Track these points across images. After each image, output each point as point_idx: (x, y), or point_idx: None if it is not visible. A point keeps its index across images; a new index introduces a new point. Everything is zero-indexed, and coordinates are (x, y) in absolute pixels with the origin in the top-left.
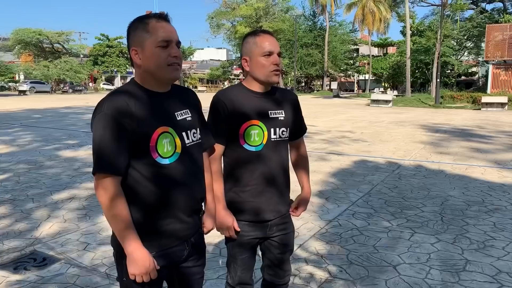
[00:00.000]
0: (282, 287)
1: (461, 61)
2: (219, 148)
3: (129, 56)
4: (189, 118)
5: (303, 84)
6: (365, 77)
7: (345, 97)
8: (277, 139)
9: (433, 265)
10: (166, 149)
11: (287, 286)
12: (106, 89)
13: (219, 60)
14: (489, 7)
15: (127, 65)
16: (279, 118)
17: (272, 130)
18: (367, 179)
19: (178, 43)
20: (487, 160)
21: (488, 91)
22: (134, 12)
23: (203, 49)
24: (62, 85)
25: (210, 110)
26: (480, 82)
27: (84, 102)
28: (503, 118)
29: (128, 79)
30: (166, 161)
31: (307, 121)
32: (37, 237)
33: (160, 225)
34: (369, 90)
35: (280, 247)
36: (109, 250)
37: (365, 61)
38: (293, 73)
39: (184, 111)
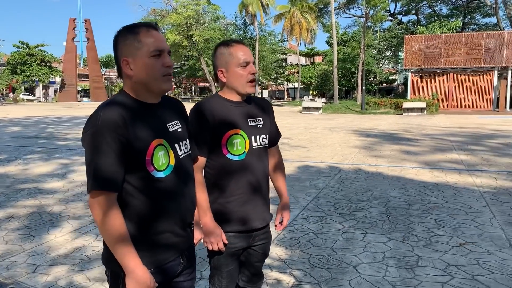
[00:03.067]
0: None
1: (382, 69)
2: (201, 159)
3: (117, 66)
4: (180, 129)
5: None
6: (294, 85)
7: (277, 105)
8: (258, 146)
9: (389, 263)
10: (161, 161)
11: None
12: (27, 100)
13: None
14: (405, 19)
15: (50, 74)
16: (258, 125)
17: (253, 138)
18: (313, 183)
19: (169, 52)
20: (418, 162)
21: (408, 97)
22: (56, 19)
23: None
24: None
25: (190, 122)
26: (399, 89)
27: (4, 114)
28: (424, 122)
29: (51, 89)
30: (161, 174)
31: None
32: None
33: (157, 240)
34: (299, 98)
35: (259, 255)
36: (62, 270)
37: (294, 70)
38: None
39: (174, 122)
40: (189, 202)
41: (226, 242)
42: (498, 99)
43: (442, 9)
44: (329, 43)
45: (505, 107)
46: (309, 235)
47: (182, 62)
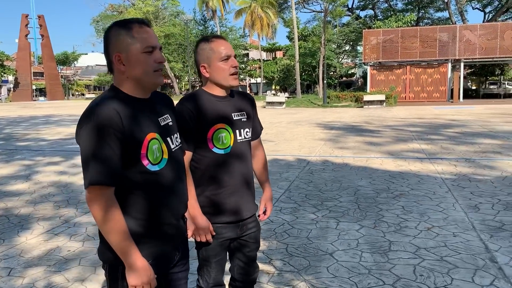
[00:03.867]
0: (252, 285)
1: (342, 64)
2: (188, 154)
3: (107, 61)
4: (171, 123)
5: (197, 88)
6: (256, 80)
7: None
8: (243, 140)
9: (364, 249)
10: (156, 155)
11: (255, 282)
12: None
13: (106, 65)
14: (362, 13)
15: (2, 73)
16: (242, 119)
17: (237, 131)
18: (283, 176)
19: (160, 48)
20: (381, 152)
21: (368, 90)
22: (7, 15)
23: (87, 54)
24: None
25: (175, 117)
26: (359, 82)
27: None
28: (384, 114)
29: (3, 88)
30: (156, 168)
31: None
32: None
33: (154, 232)
34: (262, 93)
35: (250, 245)
36: (38, 272)
37: (256, 65)
38: (187, 78)
39: (165, 116)
40: (183, 195)
41: (214, 233)
42: (452, 90)
43: (397, 4)
44: (290, 38)
45: (459, 98)
46: (284, 226)
47: None
